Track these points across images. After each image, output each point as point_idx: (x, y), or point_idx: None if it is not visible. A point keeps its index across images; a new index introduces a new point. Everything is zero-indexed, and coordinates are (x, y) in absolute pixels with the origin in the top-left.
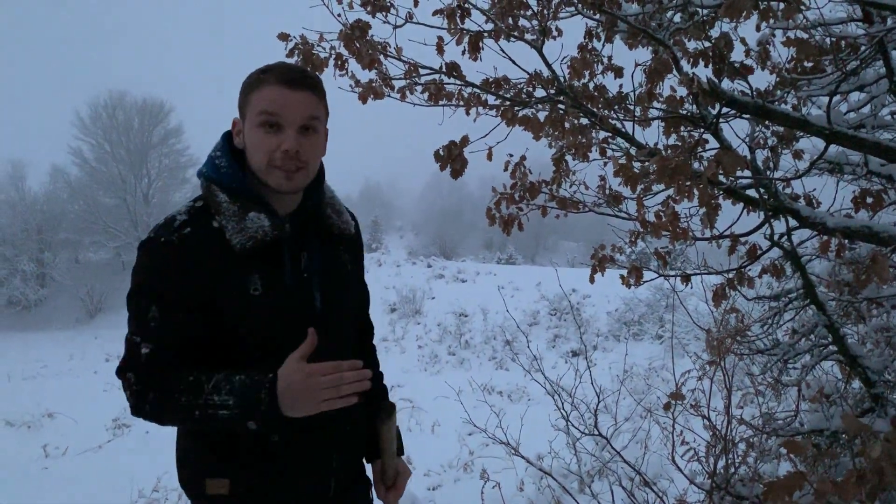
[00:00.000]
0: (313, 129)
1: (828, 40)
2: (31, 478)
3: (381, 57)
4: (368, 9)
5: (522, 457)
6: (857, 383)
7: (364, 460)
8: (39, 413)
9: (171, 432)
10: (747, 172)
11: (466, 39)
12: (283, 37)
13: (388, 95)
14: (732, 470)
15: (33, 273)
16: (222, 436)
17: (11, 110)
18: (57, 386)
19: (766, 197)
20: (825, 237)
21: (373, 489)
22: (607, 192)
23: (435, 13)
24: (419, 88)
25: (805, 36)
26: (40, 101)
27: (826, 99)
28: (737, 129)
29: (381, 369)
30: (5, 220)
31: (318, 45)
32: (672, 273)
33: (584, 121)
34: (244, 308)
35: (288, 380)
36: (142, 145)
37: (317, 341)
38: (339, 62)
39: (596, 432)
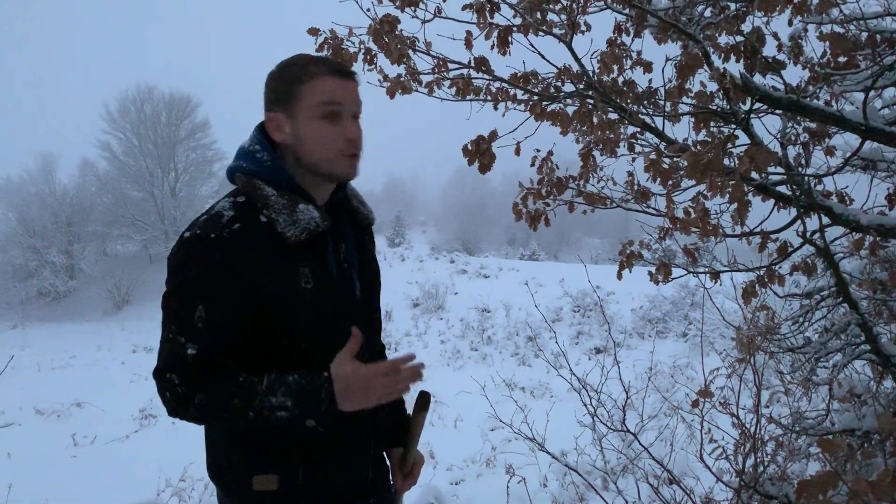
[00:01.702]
0: (358, 118)
1: (863, 35)
2: (60, 466)
3: (410, 52)
4: (397, 3)
5: (548, 452)
6: (888, 383)
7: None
8: (68, 402)
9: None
10: (779, 169)
11: (495, 34)
12: (313, 31)
13: (416, 90)
14: (761, 468)
15: (63, 265)
16: (268, 433)
17: (43, 103)
18: (85, 376)
19: (798, 194)
20: (858, 235)
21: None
22: (635, 187)
23: (464, 8)
24: (447, 83)
25: (840, 31)
26: (71, 94)
27: (859, 95)
28: (768, 126)
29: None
30: (36, 212)
31: (348, 40)
32: (701, 270)
33: (613, 116)
34: (296, 301)
35: (346, 382)
36: (169, 139)
37: (362, 339)
38: (368, 57)
39: (624, 428)
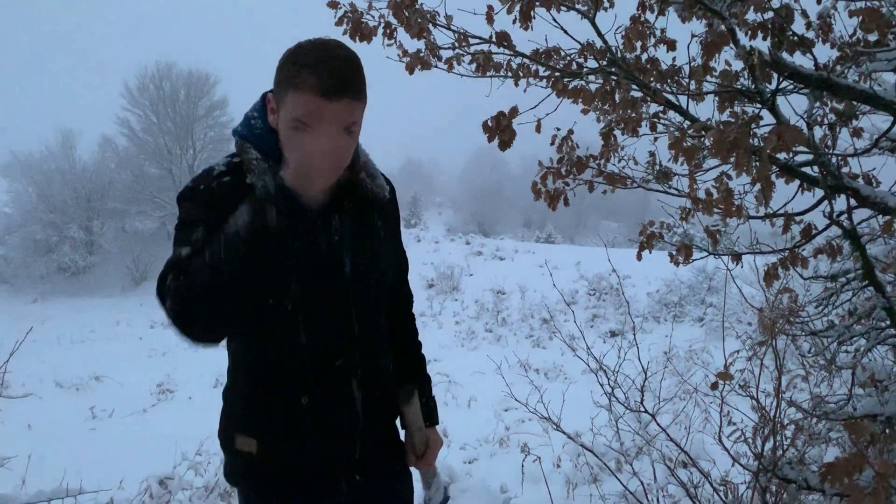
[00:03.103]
0: (349, 132)
1: (895, 12)
2: (79, 438)
3: (430, 26)
4: None
5: (564, 432)
6: None
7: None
8: (87, 376)
9: (214, 398)
10: (804, 149)
11: (517, 8)
12: (333, 5)
13: (436, 66)
14: (780, 452)
15: (82, 240)
16: (255, 398)
17: (64, 80)
18: (104, 350)
19: (824, 174)
20: (885, 218)
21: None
22: (657, 167)
23: None
24: (467, 59)
25: (875, 5)
26: (91, 70)
27: (888, 76)
28: (794, 107)
29: (419, 339)
30: (56, 188)
31: (368, 14)
32: (723, 252)
33: (636, 94)
34: (279, 259)
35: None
36: (187, 117)
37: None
38: (388, 31)
39: (642, 409)
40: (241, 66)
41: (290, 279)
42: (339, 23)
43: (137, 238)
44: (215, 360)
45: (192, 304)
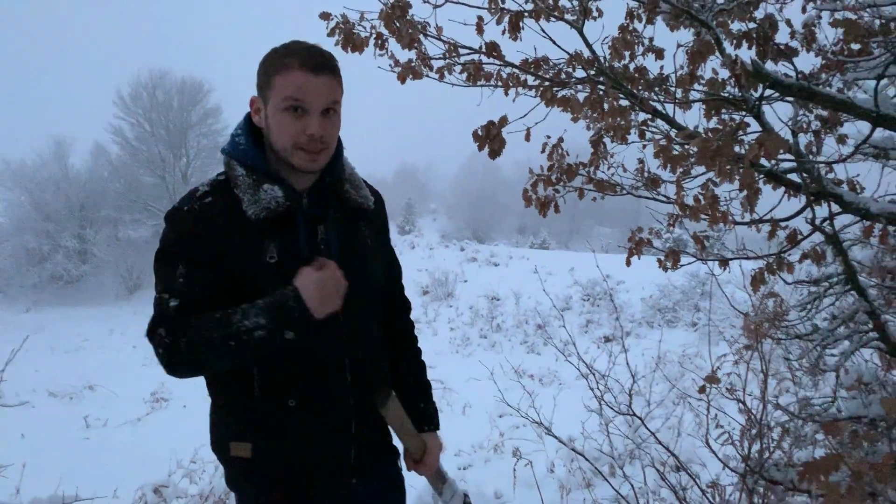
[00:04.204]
0: (333, 111)
1: (877, 22)
2: (72, 447)
3: (421, 36)
4: None
5: (555, 436)
6: None
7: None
8: (81, 385)
9: (209, 406)
10: (789, 156)
11: (506, 19)
12: (325, 16)
13: (427, 75)
14: (767, 454)
15: (75, 249)
16: (245, 401)
17: (56, 88)
18: (98, 360)
19: (808, 181)
20: (868, 223)
21: (402, 460)
22: (646, 174)
23: None
24: (458, 68)
25: (854, 17)
26: (84, 79)
27: (873, 83)
28: (779, 114)
29: (418, 346)
30: (49, 196)
31: (359, 25)
32: (710, 258)
33: (624, 102)
34: (260, 273)
35: (309, 286)
36: (181, 125)
37: (325, 265)
38: (380, 42)
39: (630, 412)
40: (234, 75)
41: (272, 286)
42: (330, 34)
43: (131, 246)
44: None
45: (190, 365)
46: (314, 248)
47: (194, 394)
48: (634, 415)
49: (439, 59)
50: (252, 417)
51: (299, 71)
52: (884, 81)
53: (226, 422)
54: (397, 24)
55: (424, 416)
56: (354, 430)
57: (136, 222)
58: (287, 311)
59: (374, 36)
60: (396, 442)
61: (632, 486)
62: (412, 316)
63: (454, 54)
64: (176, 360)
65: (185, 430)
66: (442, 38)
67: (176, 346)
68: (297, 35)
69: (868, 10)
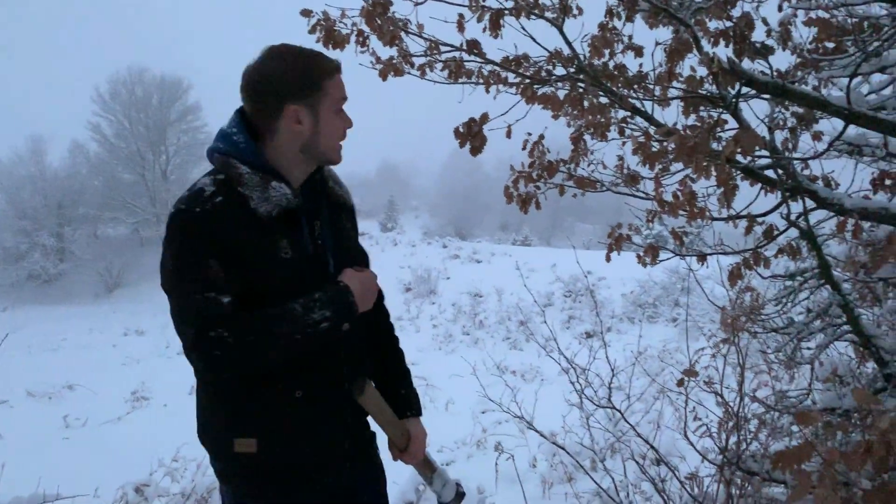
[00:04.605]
0: None
1: (850, 21)
2: (52, 447)
3: (402, 34)
4: None
5: (537, 430)
6: (870, 364)
7: None
8: (60, 385)
9: (190, 404)
10: (765, 153)
11: (487, 17)
12: (306, 13)
13: (408, 73)
14: (744, 446)
15: (53, 247)
16: (248, 397)
17: (33, 86)
18: (77, 359)
19: (784, 177)
20: (842, 218)
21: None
22: (625, 171)
23: None
24: (439, 66)
25: (827, 16)
26: (61, 76)
27: (846, 80)
28: (756, 111)
29: (395, 334)
30: (26, 194)
31: (340, 22)
32: (688, 253)
33: (604, 100)
34: (275, 269)
35: (353, 281)
36: (160, 122)
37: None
38: (361, 39)
39: (610, 406)
40: (213, 73)
41: (285, 286)
42: (312, 31)
43: (110, 244)
44: (189, 367)
45: (250, 362)
46: (314, 243)
47: (175, 392)
48: (614, 408)
49: (421, 56)
50: (258, 412)
51: (339, 74)
52: (857, 79)
53: (225, 418)
54: (378, 22)
55: (406, 402)
56: (349, 418)
57: (115, 220)
58: (348, 307)
59: (356, 33)
60: (377, 431)
61: (612, 479)
62: (392, 314)
63: (435, 51)
64: (237, 360)
65: (166, 429)
66: (423, 35)
67: (240, 344)
68: (278, 32)
69: (841, 9)
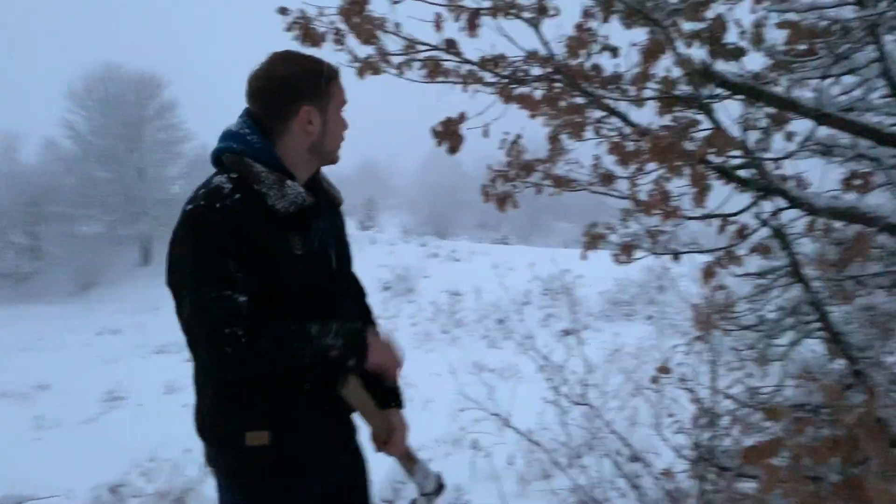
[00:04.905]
0: None
1: (821, 23)
2: (24, 448)
3: (380, 32)
4: None
5: (514, 428)
6: (840, 361)
7: None
8: (33, 384)
9: (166, 404)
10: (738, 152)
11: (464, 16)
12: (283, 11)
13: (386, 71)
14: (717, 442)
15: (27, 246)
16: (260, 390)
17: (4, 81)
18: (51, 358)
19: (756, 177)
20: (813, 217)
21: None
22: (601, 171)
23: None
24: (417, 65)
25: (798, 18)
26: (33, 72)
27: (818, 82)
28: (730, 111)
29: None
30: None
31: (317, 20)
32: (663, 252)
33: (580, 100)
34: (290, 265)
35: (374, 336)
36: (136, 119)
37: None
38: (338, 37)
39: (585, 402)
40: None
41: (297, 282)
42: (288, 29)
43: (85, 243)
44: (166, 366)
45: (260, 367)
46: (319, 239)
47: (151, 392)
48: (590, 405)
49: (398, 55)
50: (270, 404)
51: (340, 78)
52: (827, 81)
53: (236, 412)
54: (356, 20)
55: (389, 393)
56: (347, 408)
57: (90, 218)
58: (360, 344)
59: (333, 31)
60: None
61: (589, 475)
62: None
63: (413, 50)
64: (245, 360)
65: (141, 429)
66: (401, 34)
67: (253, 347)
68: (254, 30)
69: (812, 12)
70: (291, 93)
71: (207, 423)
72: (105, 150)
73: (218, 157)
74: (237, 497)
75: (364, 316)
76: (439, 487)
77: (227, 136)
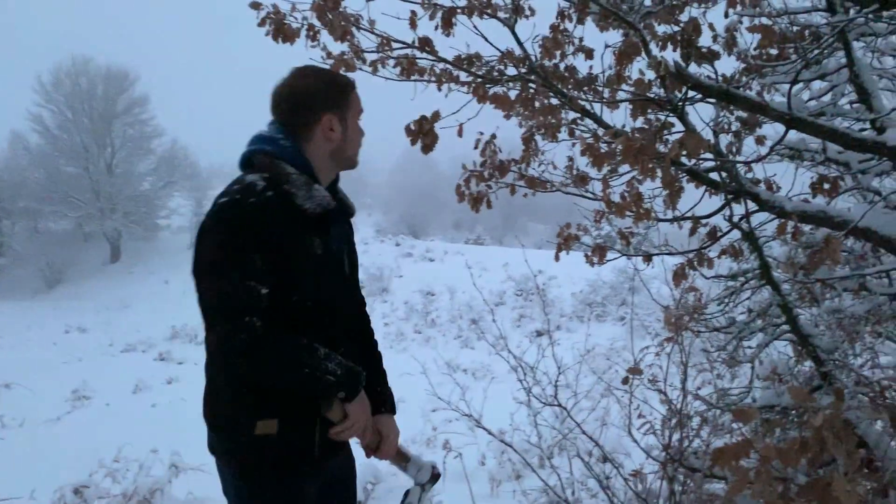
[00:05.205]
0: None
1: (792, 29)
2: None
3: (354, 29)
4: None
5: (485, 428)
6: (808, 363)
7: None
8: None
9: (133, 404)
10: (710, 155)
11: (440, 14)
12: (255, 6)
13: (360, 68)
14: (686, 443)
15: None
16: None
17: None
18: (15, 357)
19: (727, 180)
20: (783, 220)
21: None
22: (575, 172)
23: None
24: (391, 62)
25: (769, 23)
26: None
27: (789, 86)
28: (702, 114)
29: (374, 337)
30: None
31: (291, 15)
32: (634, 253)
33: (555, 101)
34: (309, 264)
35: (364, 406)
36: (106, 114)
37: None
38: (311, 33)
39: (556, 403)
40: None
41: (314, 280)
42: (261, 24)
43: (52, 239)
44: (133, 365)
45: (268, 366)
46: (338, 244)
47: (118, 391)
48: (561, 406)
49: (372, 52)
50: (279, 396)
51: (356, 89)
52: (798, 85)
53: (246, 403)
54: (330, 16)
55: (381, 399)
56: None
57: (56, 214)
58: (355, 383)
59: (306, 27)
60: None
61: (559, 476)
62: None
63: (387, 48)
64: (256, 354)
65: (108, 429)
66: (375, 31)
67: (265, 340)
68: (227, 25)
69: (784, 17)
70: (315, 101)
71: (218, 410)
72: (73, 144)
73: (248, 159)
74: (241, 483)
75: (373, 363)
76: (434, 477)
77: (259, 139)
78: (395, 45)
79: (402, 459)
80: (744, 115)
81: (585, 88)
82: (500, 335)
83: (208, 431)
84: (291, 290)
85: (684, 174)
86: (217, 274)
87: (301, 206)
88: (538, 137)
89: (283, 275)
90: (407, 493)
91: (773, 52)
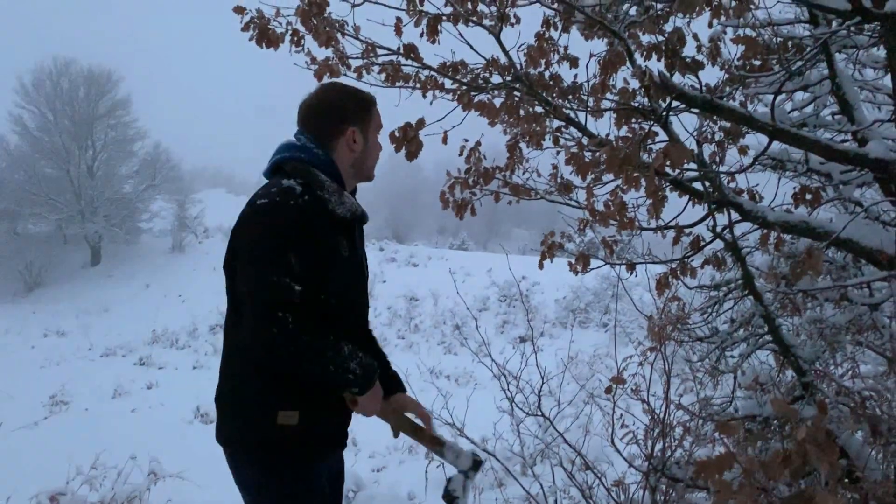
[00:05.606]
0: None
1: (776, 40)
2: None
3: (339, 35)
4: None
5: (468, 437)
6: (790, 372)
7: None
8: None
9: (112, 409)
10: (694, 165)
11: (425, 21)
12: (239, 10)
13: (345, 74)
14: (669, 453)
15: None
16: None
17: None
18: None
19: (710, 190)
20: (765, 230)
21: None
22: (559, 180)
23: None
24: (376, 69)
25: (753, 34)
26: None
27: (772, 97)
28: (686, 124)
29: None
30: None
31: (275, 20)
32: (618, 261)
33: (539, 109)
34: (338, 265)
35: (377, 395)
36: (87, 116)
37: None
38: (296, 38)
39: (539, 413)
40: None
41: (341, 280)
42: (245, 28)
43: (31, 241)
44: (113, 370)
45: (297, 360)
46: (361, 247)
47: (97, 396)
48: (543, 415)
49: (357, 58)
50: (300, 388)
51: (376, 105)
52: (781, 97)
53: (270, 394)
54: (314, 22)
55: (394, 381)
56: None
57: (36, 216)
58: (371, 382)
59: (291, 32)
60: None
61: (541, 485)
62: None
63: (372, 54)
64: (285, 348)
65: (86, 435)
66: (360, 37)
67: (296, 337)
68: (208, 29)
69: (767, 28)
70: (340, 114)
71: (238, 399)
72: (54, 146)
73: (278, 166)
74: (258, 471)
75: (375, 350)
76: (476, 464)
77: (291, 147)
78: (380, 51)
79: (437, 444)
80: (727, 125)
81: (570, 97)
82: (484, 342)
83: (224, 422)
84: (320, 289)
85: (668, 184)
86: (257, 269)
87: (333, 210)
88: (523, 145)
89: (314, 274)
90: (449, 481)
91: (757, 63)
